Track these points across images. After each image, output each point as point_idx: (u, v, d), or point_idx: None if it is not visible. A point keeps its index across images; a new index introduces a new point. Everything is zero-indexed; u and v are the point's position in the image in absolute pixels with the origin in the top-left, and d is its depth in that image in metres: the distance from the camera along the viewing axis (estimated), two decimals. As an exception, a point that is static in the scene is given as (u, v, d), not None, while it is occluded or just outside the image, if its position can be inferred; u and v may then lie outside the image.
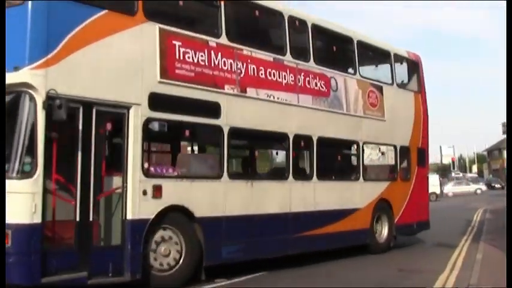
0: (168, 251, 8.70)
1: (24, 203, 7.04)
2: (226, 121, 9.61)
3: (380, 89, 13.47)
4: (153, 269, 8.56)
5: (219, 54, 9.61)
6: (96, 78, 7.85)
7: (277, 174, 11.45)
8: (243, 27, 10.60)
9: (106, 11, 8.03)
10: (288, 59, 11.05)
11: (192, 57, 9.14)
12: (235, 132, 9.81)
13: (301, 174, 11.41)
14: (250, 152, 11.69)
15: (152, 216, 8.39)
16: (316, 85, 11.65)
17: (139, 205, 8.23)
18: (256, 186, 10.14)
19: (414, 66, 15.03)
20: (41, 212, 7.15)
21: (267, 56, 10.66)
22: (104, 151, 8.22)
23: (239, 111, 9.90)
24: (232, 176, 9.86)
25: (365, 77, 13.17)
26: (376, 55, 14.16)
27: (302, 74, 11.31)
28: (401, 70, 14.77)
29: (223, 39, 9.74)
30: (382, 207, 13.22)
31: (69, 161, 7.59)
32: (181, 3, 9.32)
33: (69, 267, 7.47)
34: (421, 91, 15.05)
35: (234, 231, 9.70)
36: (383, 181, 13.76)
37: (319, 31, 12.02)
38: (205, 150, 10.79)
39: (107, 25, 8.04)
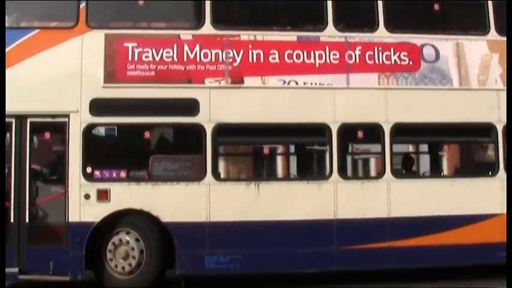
0: (125, 255, 8.68)
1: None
2: (208, 118, 8.81)
3: None
4: (112, 271, 8.69)
5: (197, 45, 8.90)
6: (30, 93, 8.62)
7: (315, 172, 9.57)
8: (244, 10, 9.43)
9: (38, 30, 8.74)
10: (329, 33, 9.13)
11: (153, 55, 8.82)
12: (226, 129, 8.86)
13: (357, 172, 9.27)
14: (261, 150, 9.97)
15: (97, 220, 8.56)
16: (388, 59, 9.20)
17: (80, 209, 8.56)
18: (267, 188, 8.87)
19: None
20: None
21: (285, 35, 9.14)
22: (46, 159, 8.88)
23: (230, 105, 8.89)
24: (222, 178, 8.94)
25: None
26: None
27: (358, 48, 9.14)
28: None
29: (208, 29, 8.95)
30: None
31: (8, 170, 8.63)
32: (141, 3, 9.06)
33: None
34: None
35: (225, 240, 8.77)
36: None
37: None
38: (182, 151, 9.79)
39: (41, 42, 8.70)
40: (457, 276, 9.29)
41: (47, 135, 8.76)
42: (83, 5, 8.78)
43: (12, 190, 8.55)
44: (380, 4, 9.23)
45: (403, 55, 9.25)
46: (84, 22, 8.75)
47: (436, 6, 9.65)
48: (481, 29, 9.52)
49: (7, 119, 8.38)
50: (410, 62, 9.25)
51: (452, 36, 9.42)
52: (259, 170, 10.26)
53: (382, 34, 9.23)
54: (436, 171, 11.17)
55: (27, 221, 8.58)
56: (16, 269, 8.48)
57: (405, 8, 9.71)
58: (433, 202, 9.11)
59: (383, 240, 8.99)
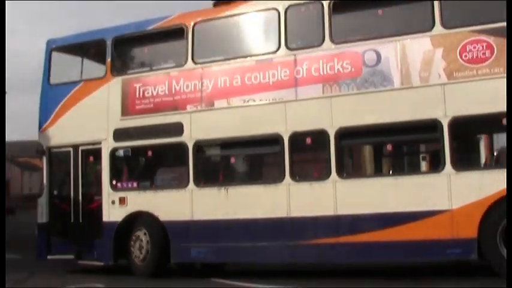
0: (139, 247, 11.35)
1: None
2: (190, 136, 10.97)
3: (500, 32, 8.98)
4: (135, 259, 11.45)
5: (181, 80, 11.16)
6: (77, 130, 12.00)
7: (271, 176, 10.69)
8: (212, 44, 11.24)
9: (82, 83, 12.13)
10: (281, 54, 10.47)
11: (152, 92, 11.38)
12: (202, 145, 10.94)
13: (308, 174, 10.44)
14: (228, 160, 11.25)
15: (120, 219, 11.45)
16: (331, 69, 10.06)
17: (109, 211, 11.58)
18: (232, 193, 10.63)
19: None
20: (47, 215, 12.19)
21: (244, 61, 10.77)
22: (91, 175, 12.07)
23: (205, 125, 10.90)
24: (201, 184, 10.89)
25: (457, 26, 9.37)
26: None
27: (305, 63, 10.25)
28: None
29: (189, 65, 11.16)
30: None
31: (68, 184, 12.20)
32: (146, 50, 11.68)
33: (64, 251, 12.02)
34: None
35: (203, 235, 10.78)
36: None
37: (340, 3, 10.18)
38: (174, 164, 11.41)
39: (81, 92, 12.07)
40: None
41: (91, 158, 12.01)
42: (109, 59, 11.84)
43: (72, 198, 11.96)
44: (326, 19, 10.12)
45: (346, 63, 9.95)
46: (110, 72, 11.80)
47: (380, 12, 10.11)
48: (425, 26, 9.58)
49: (66, 149, 11.90)
50: (352, 69, 9.91)
51: (393, 38, 9.75)
52: (229, 176, 11.67)
53: (327, 47, 10.10)
54: (382, 169, 11.09)
55: (81, 221, 11.91)
56: (72, 256, 11.86)
57: (349, 19, 10.39)
58: (379, 200, 9.57)
59: (330, 236, 9.82)
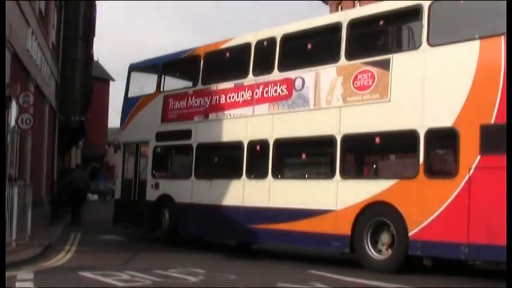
0: (164, 221, 15.20)
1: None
2: (195, 140, 14.48)
3: (384, 64, 10.86)
4: (163, 230, 15.31)
5: (193, 97, 14.67)
6: (139, 131, 16.21)
7: (235, 174, 13.37)
8: (215, 71, 14.54)
9: (143, 97, 16.40)
10: (249, 79, 13.38)
11: (176, 106, 15.09)
12: (201, 147, 14.37)
13: (257, 174, 12.97)
14: (214, 159, 14.41)
15: (154, 199, 15.38)
16: (276, 92, 12.71)
17: (149, 193, 15.59)
18: (210, 183, 13.95)
19: None
20: (120, 193, 16.79)
21: (229, 84, 13.92)
22: (145, 165, 16.05)
23: (203, 132, 14.34)
24: (198, 176, 14.30)
25: (354, 58, 11.43)
26: (393, 21, 11.35)
27: (261, 87, 13.03)
28: (459, 16, 10.39)
29: (199, 86, 14.64)
30: (378, 212, 10.64)
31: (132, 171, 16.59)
32: (178, 73, 15.56)
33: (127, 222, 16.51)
34: (504, 32, 9.35)
35: (197, 215, 14.22)
36: (382, 179, 10.81)
37: (290, 38, 12.76)
38: (185, 160, 14.55)
39: (143, 103, 16.28)
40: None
41: (145, 153, 16.18)
42: (158, 79, 15.90)
43: (133, 182, 16.31)
44: (277, 52, 12.83)
45: (284, 88, 12.52)
46: (157, 89, 15.86)
47: (309, 46, 12.54)
48: (334, 58, 11.73)
49: (131, 145, 16.44)
50: (287, 92, 12.45)
51: (313, 67, 12.07)
52: (214, 171, 14.27)
53: (275, 74, 12.78)
54: (299, 173, 13.05)
55: (136, 199, 16.17)
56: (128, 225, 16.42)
57: (290, 51, 12.87)
58: (294, 197, 12.08)
59: (265, 223, 12.54)
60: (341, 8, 28.93)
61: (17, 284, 8.29)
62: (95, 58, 49.16)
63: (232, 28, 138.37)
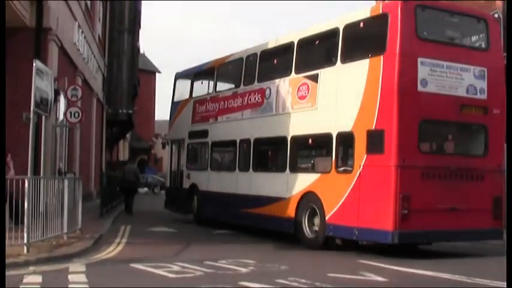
0: (194, 206, 18.41)
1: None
2: (210, 138, 17.54)
3: (314, 78, 13.19)
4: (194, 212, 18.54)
5: (210, 102, 17.69)
6: (179, 130, 19.43)
7: (233, 167, 16.23)
8: (223, 80, 17.54)
9: (182, 101, 19.55)
10: (241, 88, 16.16)
11: (200, 109, 18.16)
12: (213, 144, 17.45)
13: (244, 167, 15.68)
14: (221, 154, 17.24)
15: (187, 187, 18.61)
16: (254, 100, 15.36)
17: (184, 182, 18.89)
18: (218, 174, 17.10)
19: (380, 23, 11.67)
20: (169, 182, 20.58)
21: (229, 92, 16.87)
22: (183, 157, 19.23)
23: (214, 132, 17.35)
24: (213, 169, 17.38)
25: (303, 73, 13.71)
26: (322, 41, 13.65)
27: (247, 95, 15.74)
28: (360, 37, 12.68)
29: (213, 93, 17.65)
30: (310, 200, 12.99)
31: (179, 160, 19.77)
32: (201, 82, 18.57)
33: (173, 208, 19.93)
34: (386, 51, 11.43)
35: (211, 201, 17.27)
36: (312, 173, 13.18)
37: (265, 54, 15.33)
38: (204, 155, 17.59)
39: (182, 105, 19.39)
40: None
41: (181, 148, 19.43)
42: (190, 88, 19.08)
43: (176, 172, 19.67)
44: (257, 66, 15.50)
45: (259, 96, 15.12)
46: (190, 96, 19.03)
47: (275, 61, 15.25)
48: (288, 72, 14.13)
49: (175, 142, 19.95)
50: (260, 100, 15.08)
51: (276, 79, 14.53)
52: (220, 164, 17.35)
53: (255, 85, 15.42)
54: (267, 167, 15.39)
55: (178, 186, 19.42)
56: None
57: (265, 65, 15.45)
58: (263, 187, 14.75)
59: (248, 208, 15.19)
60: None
61: (70, 276, 8.44)
62: (141, 50, 49.45)
63: (281, 20, 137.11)
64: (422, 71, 11.29)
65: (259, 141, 15.27)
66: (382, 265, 10.33)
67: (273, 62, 15.43)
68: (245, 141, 15.72)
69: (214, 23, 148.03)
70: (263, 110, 14.98)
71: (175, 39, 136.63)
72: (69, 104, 16.87)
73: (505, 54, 14.16)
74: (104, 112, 29.45)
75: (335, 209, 12.15)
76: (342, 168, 12.24)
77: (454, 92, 11.64)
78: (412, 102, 11.18)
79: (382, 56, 11.46)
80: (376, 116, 11.41)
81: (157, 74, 66.51)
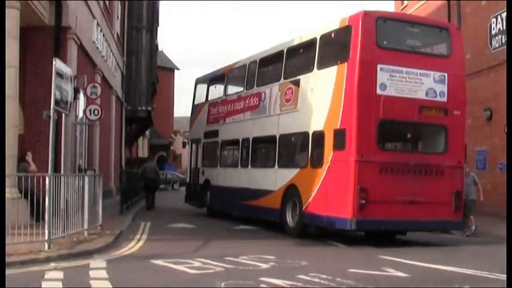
0: (207, 200, 19.75)
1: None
2: (220, 138, 19.03)
3: (297, 83, 14.63)
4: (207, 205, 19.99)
5: (220, 105, 19.25)
6: (197, 131, 21.01)
7: (236, 163, 17.72)
8: (231, 85, 18.98)
9: (200, 104, 21.01)
10: (243, 92, 17.64)
11: (213, 111, 19.71)
12: (221, 143, 18.97)
13: (245, 164, 17.12)
14: (227, 152, 18.68)
15: (202, 182, 20.16)
16: (253, 102, 16.83)
17: (200, 178, 20.44)
18: (225, 170, 18.54)
19: (346, 33, 13.00)
20: (188, 178, 22.04)
21: (235, 95, 18.32)
22: (200, 155, 20.70)
23: (223, 132, 18.83)
24: (222, 165, 18.87)
25: (289, 78, 15.12)
26: (304, 50, 14.94)
27: (248, 98, 17.23)
28: (332, 46, 14.10)
29: (223, 97, 19.16)
30: (292, 192, 14.33)
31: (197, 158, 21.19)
32: (215, 87, 19.90)
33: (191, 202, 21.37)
34: (349, 59, 12.76)
35: (220, 194, 18.71)
36: (294, 168, 14.53)
37: (262, 61, 16.78)
38: (214, 153, 18.96)
39: (200, 108, 20.92)
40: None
41: (198, 147, 20.87)
42: (206, 92, 20.69)
43: (195, 169, 21.15)
44: (256, 73, 16.98)
45: (257, 99, 16.61)
46: (206, 99, 20.56)
47: (270, 67, 16.78)
48: (278, 77, 15.61)
49: (193, 141, 21.43)
50: (257, 103, 16.55)
51: (269, 84, 16.03)
52: (227, 161, 18.68)
53: (255, 89, 16.82)
54: (262, 163, 16.64)
55: (196, 182, 20.85)
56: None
57: (262, 71, 16.96)
58: (258, 180, 16.19)
59: (248, 200, 16.60)
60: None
61: (91, 272, 8.45)
62: (159, 48, 49.35)
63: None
64: (382, 76, 12.53)
65: (256, 140, 16.77)
66: (403, 260, 10.39)
67: (268, 68, 16.94)
68: (246, 140, 17.20)
69: (232, 18, 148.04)
70: (259, 111, 16.44)
71: (193, 36, 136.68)
72: (88, 101, 17.16)
73: (505, 53, 15.85)
74: (123, 109, 29.67)
75: (310, 200, 13.55)
76: (315, 163, 13.59)
77: (413, 95, 12.83)
78: (370, 104, 12.43)
79: (346, 63, 12.83)
80: (340, 117, 12.77)
81: (175, 71, 66.67)
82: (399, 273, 9.00)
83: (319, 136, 13.42)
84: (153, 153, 53.69)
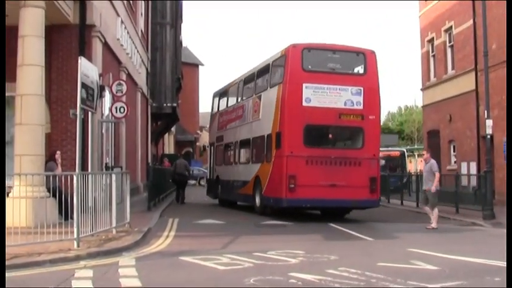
0: (218, 192, 23.61)
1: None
2: (224, 141, 23.39)
3: (260, 98, 18.97)
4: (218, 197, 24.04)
5: (224, 115, 23.62)
6: (212, 135, 25.78)
7: (233, 161, 21.97)
8: (232, 97, 23.09)
9: (214, 114, 25.49)
10: (236, 104, 22.00)
11: (222, 119, 24.00)
12: (224, 146, 23.33)
13: (237, 161, 21.52)
14: (228, 152, 22.69)
15: (215, 178, 24.59)
16: (240, 112, 21.19)
17: (213, 174, 25.00)
18: (227, 167, 22.88)
19: (282, 61, 17.28)
20: (210, 175, 25.97)
21: (232, 107, 22.58)
22: (213, 156, 25.15)
23: (226, 136, 23.14)
24: (223, 163, 23.27)
25: (257, 94, 19.41)
26: (264, 72, 19.06)
27: (238, 109, 21.62)
28: (278, 69, 17.93)
29: (226, 108, 23.54)
30: (257, 182, 18.65)
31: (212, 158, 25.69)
32: (225, 99, 23.86)
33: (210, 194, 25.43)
34: (283, 80, 16.98)
35: (224, 186, 23.01)
36: (258, 163, 18.84)
37: (245, 81, 21.06)
38: (221, 154, 23.42)
39: (213, 117, 25.60)
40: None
41: (212, 148, 25.04)
42: (217, 103, 25.00)
43: (213, 167, 25.26)
44: (243, 89, 21.43)
45: (242, 110, 20.88)
46: (218, 109, 25.08)
47: (252, 84, 20.54)
48: (252, 94, 19.96)
49: (211, 144, 25.45)
50: (242, 113, 20.78)
51: (247, 99, 20.39)
52: (228, 160, 22.48)
53: (241, 101, 21.34)
54: (246, 160, 20.69)
55: (212, 178, 24.28)
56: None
57: (246, 87, 21.13)
58: (242, 173, 20.58)
59: (238, 189, 21.04)
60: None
61: (120, 270, 8.45)
62: (183, 44, 49.04)
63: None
64: (307, 92, 16.66)
65: (241, 142, 21.06)
66: (432, 253, 10.36)
67: (248, 86, 20.99)
68: (236, 143, 21.55)
69: (255, 15, 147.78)
70: (243, 120, 20.83)
71: (217, 32, 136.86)
72: (114, 99, 17.35)
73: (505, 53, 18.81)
74: (149, 106, 29.94)
75: (265, 186, 17.91)
76: (268, 159, 17.84)
77: (333, 105, 16.82)
78: (298, 113, 16.58)
79: (281, 83, 17.09)
80: (279, 123, 17.05)
81: (200, 67, 66.13)
82: (428, 266, 8.98)
83: (269, 138, 17.70)
84: (179, 149, 54.10)
